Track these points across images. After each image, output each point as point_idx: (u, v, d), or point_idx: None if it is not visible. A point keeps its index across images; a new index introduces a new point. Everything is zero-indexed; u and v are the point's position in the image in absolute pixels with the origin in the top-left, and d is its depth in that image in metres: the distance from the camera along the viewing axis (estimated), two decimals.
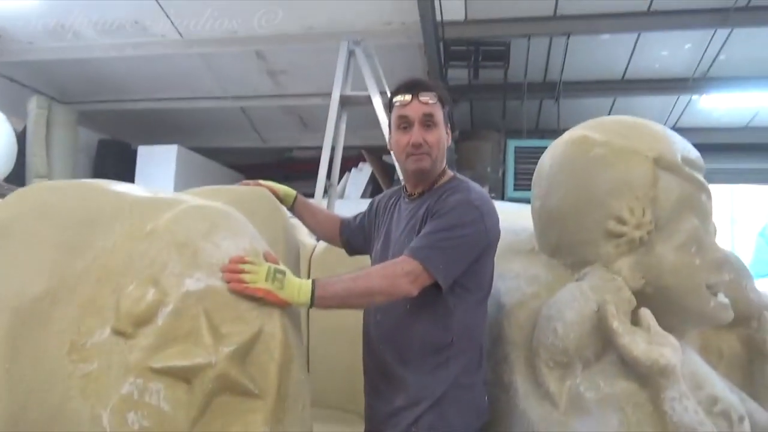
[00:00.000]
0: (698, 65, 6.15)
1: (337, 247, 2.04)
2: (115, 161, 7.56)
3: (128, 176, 7.12)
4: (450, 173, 1.72)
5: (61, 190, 1.29)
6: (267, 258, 1.39)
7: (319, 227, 2.05)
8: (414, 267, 1.43)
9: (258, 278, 1.31)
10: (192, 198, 1.46)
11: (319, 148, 7.40)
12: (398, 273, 1.42)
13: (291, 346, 1.35)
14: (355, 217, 1.96)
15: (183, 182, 6.99)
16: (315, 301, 1.37)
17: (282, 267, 1.38)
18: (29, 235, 1.19)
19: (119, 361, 1.17)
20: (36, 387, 1.12)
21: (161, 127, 8.28)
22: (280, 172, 8.50)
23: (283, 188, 1.93)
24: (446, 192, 1.60)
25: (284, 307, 1.36)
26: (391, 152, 1.77)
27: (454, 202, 1.54)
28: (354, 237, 1.94)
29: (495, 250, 1.63)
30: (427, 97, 1.61)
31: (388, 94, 6.01)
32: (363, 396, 1.73)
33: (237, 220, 1.42)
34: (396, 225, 1.70)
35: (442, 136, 1.64)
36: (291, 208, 1.95)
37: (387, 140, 1.78)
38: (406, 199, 1.73)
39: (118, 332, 1.19)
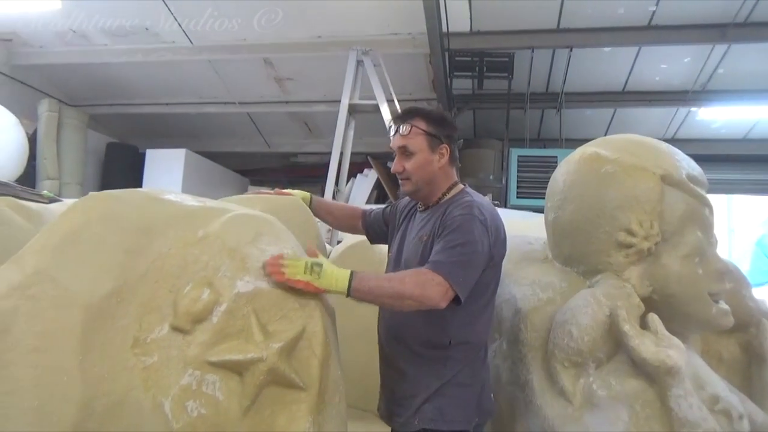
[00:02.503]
0: (697, 78, 6.31)
1: (356, 234, 2.22)
2: (124, 164, 7.64)
3: (136, 179, 7.22)
4: (459, 187, 1.82)
5: (121, 199, 1.40)
6: (308, 252, 1.52)
7: (338, 221, 2.21)
8: (440, 280, 1.53)
9: (297, 272, 1.44)
10: (236, 206, 1.58)
11: (323, 154, 7.55)
12: (429, 282, 1.51)
13: (330, 344, 1.48)
14: (383, 208, 2.10)
15: (190, 185, 7.09)
16: (351, 291, 1.49)
17: (320, 260, 1.50)
18: (97, 240, 1.30)
19: (178, 354, 1.29)
20: (104, 377, 1.24)
21: (169, 131, 8.39)
22: (284, 176, 8.64)
23: (299, 192, 2.09)
24: (450, 207, 1.71)
25: (322, 293, 1.49)
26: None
27: (460, 218, 1.64)
28: (374, 227, 2.09)
29: (499, 260, 1.73)
30: (405, 129, 1.77)
31: (396, 102, 6.11)
32: (378, 395, 1.86)
33: (278, 227, 1.54)
34: (409, 232, 1.83)
35: (419, 162, 1.76)
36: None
37: None
38: (419, 210, 1.87)
39: (176, 329, 1.31)
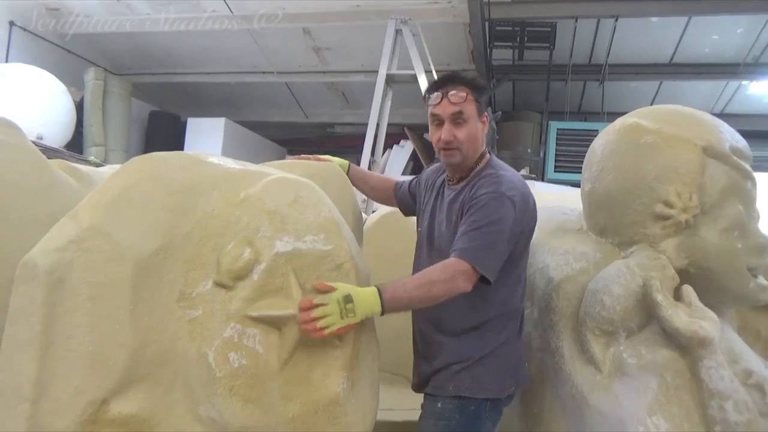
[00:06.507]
0: (750, 50, 6.04)
1: (391, 206, 2.20)
2: (166, 132, 7.82)
3: (178, 147, 7.38)
4: (486, 157, 1.78)
5: (169, 161, 1.46)
6: (319, 289, 1.42)
7: (373, 192, 2.21)
8: (467, 268, 1.52)
9: (333, 319, 1.37)
10: (275, 170, 1.63)
11: (360, 125, 7.58)
12: (456, 275, 1.52)
13: None
14: (409, 182, 2.08)
15: (230, 154, 7.15)
16: (384, 310, 1.46)
17: (346, 290, 1.41)
18: (146, 199, 1.38)
19: (221, 309, 1.37)
20: (153, 327, 1.33)
21: (209, 100, 8.53)
22: (322, 146, 8.71)
23: (337, 160, 2.09)
24: (479, 183, 1.68)
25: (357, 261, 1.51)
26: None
27: (486, 197, 1.60)
28: (404, 201, 2.08)
29: (529, 234, 1.72)
30: (456, 96, 1.67)
31: (434, 73, 6.04)
32: (409, 361, 1.87)
33: (316, 191, 1.58)
34: (440, 209, 1.80)
35: (472, 131, 1.69)
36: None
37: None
38: (448, 184, 1.82)
39: (219, 285, 1.38)
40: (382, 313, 1.45)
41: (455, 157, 1.72)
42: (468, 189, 1.69)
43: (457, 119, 1.68)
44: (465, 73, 1.77)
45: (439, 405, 1.66)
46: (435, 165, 2.00)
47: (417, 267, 1.84)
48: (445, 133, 1.69)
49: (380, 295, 1.44)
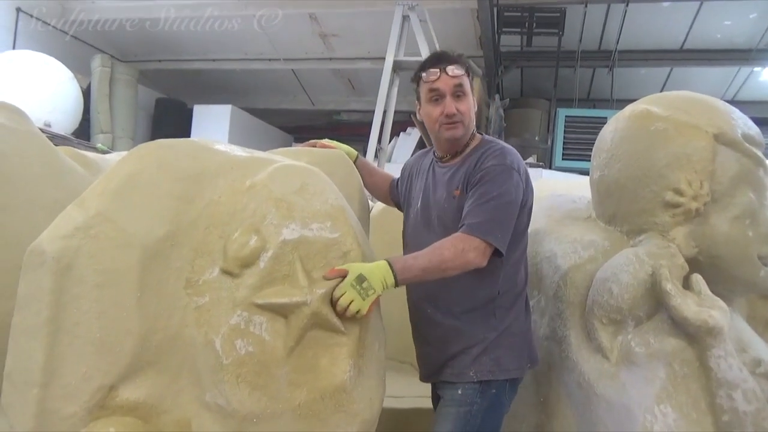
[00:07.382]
0: (763, 36, 5.95)
1: (388, 205, 2.20)
2: (172, 119, 7.83)
3: (184, 134, 7.38)
4: (478, 136, 1.81)
5: (174, 148, 1.46)
6: (329, 275, 1.44)
7: (375, 187, 2.19)
8: (478, 243, 1.55)
9: (357, 303, 1.41)
10: (282, 158, 1.62)
11: (367, 112, 7.55)
12: (467, 250, 1.54)
13: None
14: (397, 179, 2.10)
15: (236, 141, 7.14)
16: (398, 283, 1.50)
17: (356, 271, 1.43)
18: (152, 186, 1.37)
19: (227, 296, 1.36)
20: (160, 314, 1.33)
21: (216, 87, 8.52)
22: (328, 134, 8.66)
23: (345, 148, 2.07)
24: (482, 157, 1.69)
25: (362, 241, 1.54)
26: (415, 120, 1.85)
27: (494, 169, 1.64)
28: (395, 200, 2.10)
29: (530, 209, 1.74)
30: (454, 70, 1.70)
31: None
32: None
33: (322, 178, 1.57)
34: (434, 188, 1.80)
35: (470, 105, 1.74)
36: None
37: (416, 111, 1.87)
38: (439, 163, 1.82)
39: (226, 272, 1.38)
40: (396, 285, 1.49)
41: (458, 130, 1.73)
42: (471, 161, 1.71)
43: (458, 92, 1.71)
44: (455, 54, 1.79)
45: (459, 392, 1.66)
46: (416, 153, 2.03)
47: (415, 247, 1.78)
48: (448, 106, 1.70)
49: (391, 266, 1.48)
